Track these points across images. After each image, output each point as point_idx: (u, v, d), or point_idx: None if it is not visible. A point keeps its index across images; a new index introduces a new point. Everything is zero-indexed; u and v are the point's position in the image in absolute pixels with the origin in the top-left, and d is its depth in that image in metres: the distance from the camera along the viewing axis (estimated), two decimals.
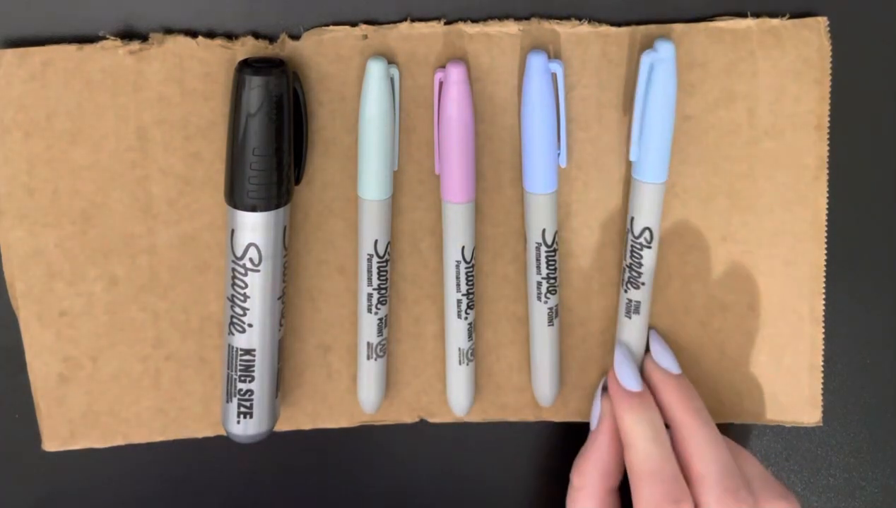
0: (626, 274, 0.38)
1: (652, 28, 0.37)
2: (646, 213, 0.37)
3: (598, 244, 0.38)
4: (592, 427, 0.38)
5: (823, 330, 0.39)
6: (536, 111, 0.36)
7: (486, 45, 0.37)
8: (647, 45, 0.36)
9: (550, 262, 0.37)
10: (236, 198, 0.35)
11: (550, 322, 0.38)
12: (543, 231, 0.37)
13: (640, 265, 0.37)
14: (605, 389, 0.38)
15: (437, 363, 0.39)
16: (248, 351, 0.36)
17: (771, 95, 0.37)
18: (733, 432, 0.42)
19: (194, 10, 0.36)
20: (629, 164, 0.38)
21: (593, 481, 0.37)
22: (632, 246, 0.37)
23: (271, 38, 0.36)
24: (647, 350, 0.39)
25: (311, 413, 0.40)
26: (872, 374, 0.41)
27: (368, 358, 0.38)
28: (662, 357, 0.38)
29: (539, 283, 0.37)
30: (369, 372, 0.38)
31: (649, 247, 0.37)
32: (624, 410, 0.36)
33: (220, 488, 0.42)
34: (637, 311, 0.38)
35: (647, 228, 0.37)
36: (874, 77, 0.38)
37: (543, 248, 0.37)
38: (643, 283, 0.37)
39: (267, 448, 0.40)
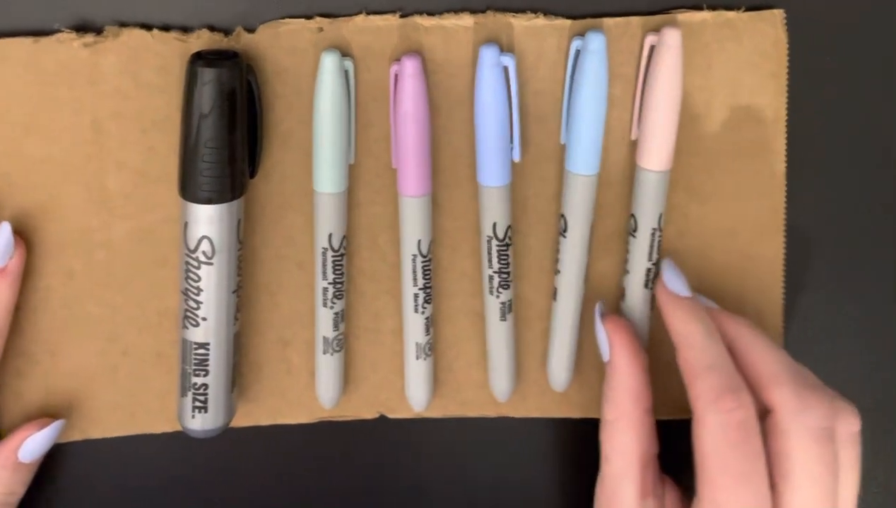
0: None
1: (608, 21, 0.36)
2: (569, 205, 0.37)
3: (557, 238, 0.38)
4: (605, 358, 0.36)
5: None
6: (488, 104, 0.35)
7: (442, 37, 0.36)
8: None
9: (502, 256, 0.37)
10: (189, 190, 0.35)
11: (503, 317, 0.38)
12: (494, 224, 0.37)
13: (558, 251, 0.38)
14: (602, 317, 0.37)
15: (396, 358, 0.39)
16: (203, 345, 0.36)
17: (727, 88, 0.37)
18: None
19: (149, 3, 0.36)
20: None
21: (627, 407, 0.35)
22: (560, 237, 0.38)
23: (227, 31, 0.36)
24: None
25: (270, 408, 0.40)
26: (872, 374, 0.41)
27: (325, 352, 0.38)
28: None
29: (491, 278, 0.37)
30: (326, 367, 0.38)
31: (564, 237, 0.37)
32: (676, 310, 0.35)
33: (184, 484, 0.41)
34: (554, 297, 0.38)
35: (562, 215, 0.37)
36: (831, 70, 0.38)
37: (494, 242, 0.37)
38: (558, 271, 0.38)
39: (225, 445, 0.40)
